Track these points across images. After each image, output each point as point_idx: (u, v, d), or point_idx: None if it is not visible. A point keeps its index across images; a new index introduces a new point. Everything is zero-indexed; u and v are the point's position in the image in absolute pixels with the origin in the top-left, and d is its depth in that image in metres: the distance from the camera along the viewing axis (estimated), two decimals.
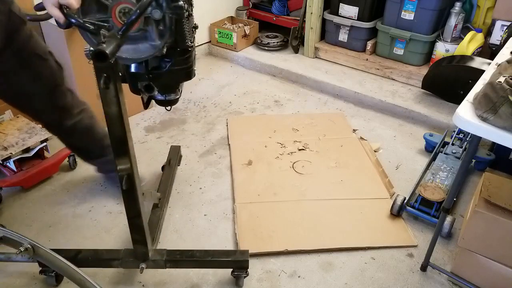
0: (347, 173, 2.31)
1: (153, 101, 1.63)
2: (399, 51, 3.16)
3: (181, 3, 1.21)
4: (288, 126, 2.73)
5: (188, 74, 1.43)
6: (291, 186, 2.22)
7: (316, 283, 1.73)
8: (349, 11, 3.26)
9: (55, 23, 1.15)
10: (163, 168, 2.24)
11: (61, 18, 1.08)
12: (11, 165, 2.09)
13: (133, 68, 1.37)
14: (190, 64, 1.41)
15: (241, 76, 3.43)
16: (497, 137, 1.20)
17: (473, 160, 2.35)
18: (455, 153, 2.29)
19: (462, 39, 2.87)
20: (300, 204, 2.10)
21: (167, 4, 1.19)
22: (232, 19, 3.86)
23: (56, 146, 2.28)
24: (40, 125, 2.16)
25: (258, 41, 3.68)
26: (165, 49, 1.28)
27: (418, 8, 2.95)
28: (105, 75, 1.16)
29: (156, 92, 1.47)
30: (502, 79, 1.22)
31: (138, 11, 1.08)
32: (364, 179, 2.27)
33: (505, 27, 2.66)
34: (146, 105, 1.62)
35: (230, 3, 3.86)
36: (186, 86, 3.33)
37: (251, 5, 3.92)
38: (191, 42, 1.37)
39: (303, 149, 2.50)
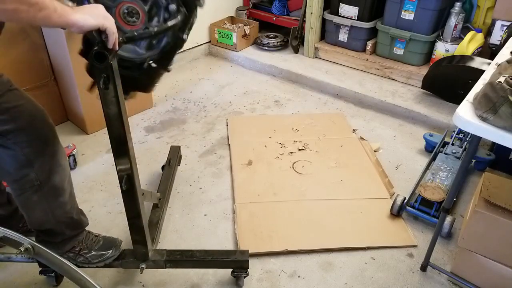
0: (347, 173, 2.31)
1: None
2: (399, 51, 3.16)
3: (185, 36, 1.25)
4: (288, 126, 2.73)
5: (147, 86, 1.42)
6: (291, 186, 2.22)
7: (316, 283, 1.73)
8: (349, 11, 3.26)
9: None
10: (163, 168, 2.24)
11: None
12: None
13: None
14: (154, 80, 1.41)
15: (241, 76, 3.43)
16: (497, 137, 1.20)
17: (473, 160, 2.34)
18: (455, 153, 2.29)
19: (462, 39, 2.87)
20: (300, 204, 2.10)
21: (173, 33, 1.23)
22: (232, 19, 3.86)
23: None
24: None
25: (258, 41, 3.68)
26: (145, 64, 1.27)
27: (418, 8, 2.95)
28: (104, 75, 1.16)
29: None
30: (502, 79, 1.22)
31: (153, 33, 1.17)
32: (364, 179, 2.27)
33: (505, 27, 2.66)
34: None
35: (230, 3, 3.86)
36: (186, 86, 3.33)
37: (251, 5, 3.92)
38: (170, 66, 1.38)
39: (303, 149, 2.50)
